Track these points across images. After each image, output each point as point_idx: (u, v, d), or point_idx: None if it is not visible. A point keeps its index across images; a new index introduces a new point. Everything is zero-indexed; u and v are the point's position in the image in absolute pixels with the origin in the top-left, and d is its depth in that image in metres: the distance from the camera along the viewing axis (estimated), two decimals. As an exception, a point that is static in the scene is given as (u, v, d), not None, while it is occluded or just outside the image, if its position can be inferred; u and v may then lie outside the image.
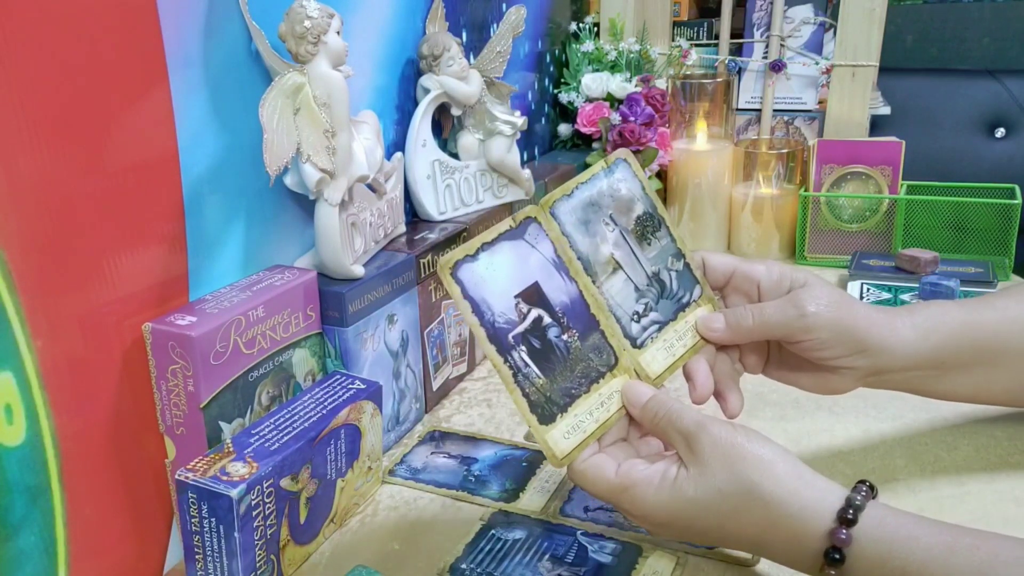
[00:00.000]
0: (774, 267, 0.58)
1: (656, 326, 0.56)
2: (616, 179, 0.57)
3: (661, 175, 1.16)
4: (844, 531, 0.45)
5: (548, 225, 0.54)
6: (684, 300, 0.58)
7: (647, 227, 0.57)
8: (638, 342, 0.55)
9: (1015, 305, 0.60)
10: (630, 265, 0.56)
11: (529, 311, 0.51)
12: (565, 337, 0.52)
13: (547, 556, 0.56)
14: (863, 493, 0.46)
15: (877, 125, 1.28)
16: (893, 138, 1.08)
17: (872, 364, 0.57)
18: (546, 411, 0.50)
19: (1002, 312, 0.59)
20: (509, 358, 0.50)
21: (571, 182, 0.56)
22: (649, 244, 0.57)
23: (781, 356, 0.60)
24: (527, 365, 0.50)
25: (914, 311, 0.59)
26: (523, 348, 0.51)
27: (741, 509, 0.47)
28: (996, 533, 0.45)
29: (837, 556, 0.45)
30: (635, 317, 0.56)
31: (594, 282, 0.55)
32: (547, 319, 0.52)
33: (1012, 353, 0.59)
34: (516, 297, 0.51)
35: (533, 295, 0.52)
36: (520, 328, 0.51)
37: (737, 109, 1.24)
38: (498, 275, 0.51)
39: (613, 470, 0.50)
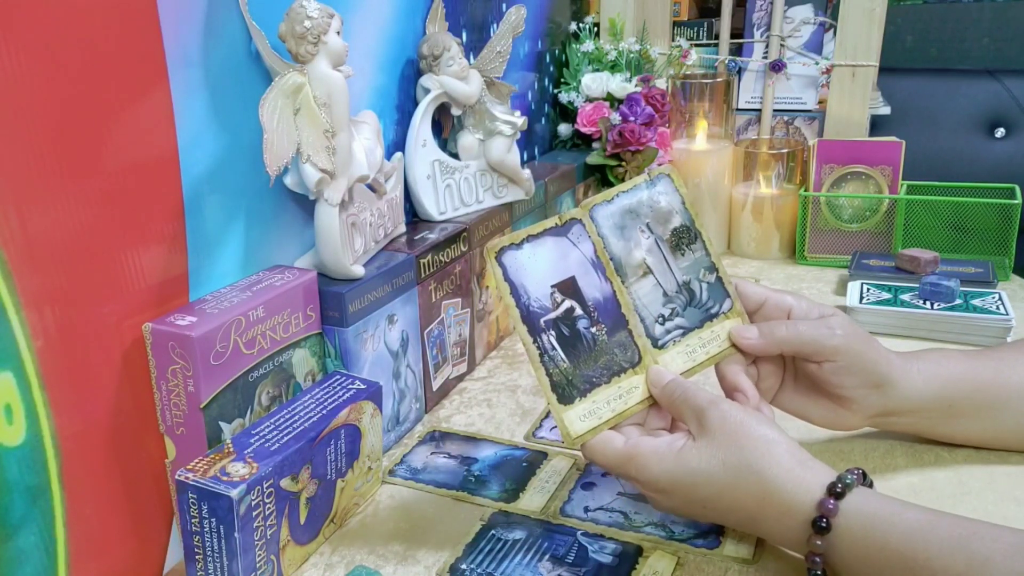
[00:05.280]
0: (803, 299, 0.61)
1: (680, 331, 0.59)
2: (657, 192, 0.60)
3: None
4: (832, 501, 0.48)
5: (590, 227, 0.57)
6: (713, 311, 0.60)
7: (682, 239, 0.60)
8: (659, 343, 0.58)
9: (1012, 355, 0.63)
10: (661, 271, 0.59)
11: (563, 301, 0.56)
12: (593, 330, 0.56)
13: (547, 556, 0.56)
14: (855, 474, 0.50)
15: (877, 125, 1.28)
16: (893, 138, 1.08)
17: (883, 402, 0.60)
18: (566, 392, 0.55)
19: (999, 361, 0.62)
20: (538, 339, 0.55)
21: (612, 189, 0.59)
22: (683, 254, 0.60)
23: (796, 383, 0.62)
24: (554, 348, 0.55)
25: (920, 357, 0.62)
26: (552, 333, 0.55)
27: (740, 481, 0.50)
28: (980, 520, 0.47)
29: (824, 524, 0.48)
30: (660, 320, 0.58)
31: (623, 283, 0.58)
32: (578, 311, 0.56)
33: (1013, 399, 0.61)
34: (552, 287, 0.56)
35: (568, 287, 0.56)
36: (552, 315, 0.55)
37: (737, 109, 1.24)
38: (538, 265, 0.56)
39: (622, 441, 0.54)
